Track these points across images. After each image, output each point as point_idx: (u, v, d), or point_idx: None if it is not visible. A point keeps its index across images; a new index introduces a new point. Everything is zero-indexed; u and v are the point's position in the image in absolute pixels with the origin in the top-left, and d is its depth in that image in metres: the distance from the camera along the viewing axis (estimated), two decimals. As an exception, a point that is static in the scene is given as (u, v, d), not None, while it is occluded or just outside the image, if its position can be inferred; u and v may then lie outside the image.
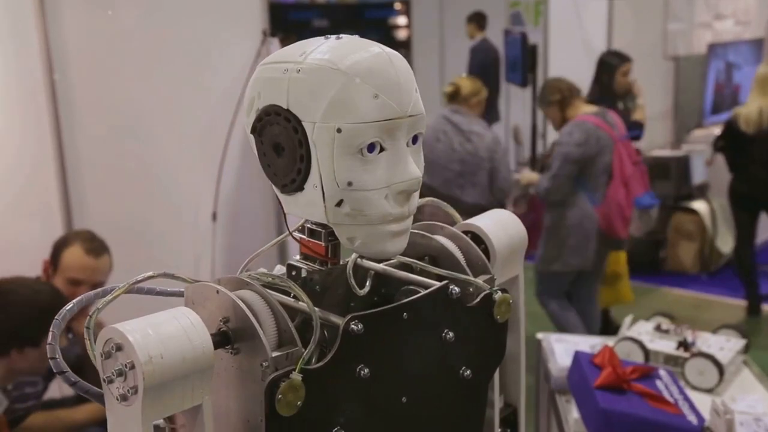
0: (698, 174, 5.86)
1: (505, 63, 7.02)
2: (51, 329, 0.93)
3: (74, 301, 0.97)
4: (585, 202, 3.81)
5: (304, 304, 0.95)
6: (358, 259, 1.10)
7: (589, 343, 2.53)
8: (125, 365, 0.83)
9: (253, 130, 0.98)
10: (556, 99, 3.91)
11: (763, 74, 4.72)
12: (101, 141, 3.25)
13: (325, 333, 0.99)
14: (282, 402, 0.88)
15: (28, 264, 2.64)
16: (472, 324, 1.10)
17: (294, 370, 0.89)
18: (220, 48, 3.60)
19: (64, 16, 3.07)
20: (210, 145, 3.60)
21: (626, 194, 3.82)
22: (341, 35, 0.97)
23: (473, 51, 7.55)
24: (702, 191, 5.93)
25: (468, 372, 1.10)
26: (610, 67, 4.56)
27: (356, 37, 0.97)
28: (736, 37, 6.70)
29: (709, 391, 2.28)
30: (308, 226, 1.05)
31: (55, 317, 0.94)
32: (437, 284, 1.07)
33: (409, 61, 0.98)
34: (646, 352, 2.42)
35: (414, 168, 0.96)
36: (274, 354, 0.90)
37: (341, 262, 1.08)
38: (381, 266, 1.13)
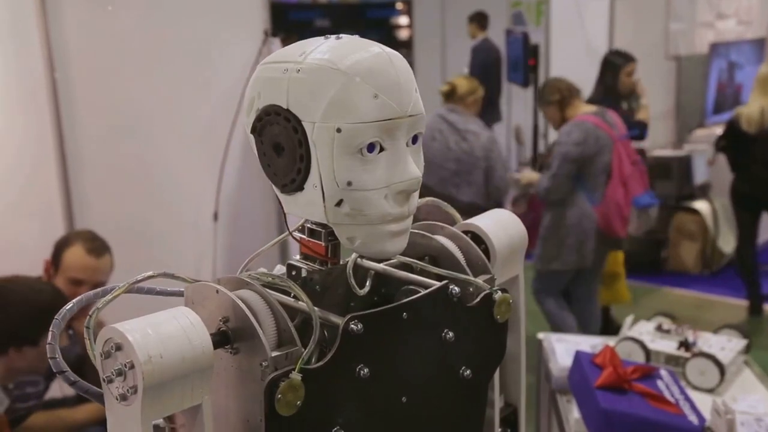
0: (700, 174, 5.86)
1: (506, 63, 7.02)
2: (51, 329, 0.93)
3: (74, 300, 0.98)
4: (584, 201, 3.82)
5: (304, 303, 0.95)
6: (358, 259, 1.10)
7: (590, 343, 2.52)
8: (125, 365, 0.83)
9: (253, 130, 0.98)
10: (556, 99, 3.92)
11: (764, 74, 4.72)
12: (102, 141, 3.25)
13: (325, 333, 0.99)
14: (281, 402, 0.88)
15: (30, 264, 2.64)
16: (472, 324, 1.10)
17: (293, 369, 0.89)
18: (221, 47, 3.60)
19: (66, 16, 3.07)
20: (211, 145, 3.60)
21: (625, 194, 3.82)
22: (341, 35, 0.97)
23: (475, 51, 7.55)
24: (704, 191, 5.92)
25: (468, 372, 1.10)
26: (615, 66, 4.55)
27: (356, 37, 0.97)
28: (738, 37, 6.70)
29: (710, 391, 2.28)
30: (308, 225, 1.05)
31: (55, 317, 0.94)
32: (437, 284, 1.07)
33: (411, 61, 0.99)
34: (647, 352, 2.42)
35: (414, 168, 0.96)
36: (274, 354, 0.90)
37: (341, 262, 1.08)
38: (381, 266, 1.13)
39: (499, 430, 1.27)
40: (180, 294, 1.01)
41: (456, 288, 1.07)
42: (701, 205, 5.81)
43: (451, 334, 1.07)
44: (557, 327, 3.90)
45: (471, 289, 1.10)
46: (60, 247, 2.67)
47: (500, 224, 1.23)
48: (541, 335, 2.69)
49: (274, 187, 1.00)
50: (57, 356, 0.93)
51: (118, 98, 3.27)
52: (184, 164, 3.56)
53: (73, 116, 3.14)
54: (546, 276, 4.02)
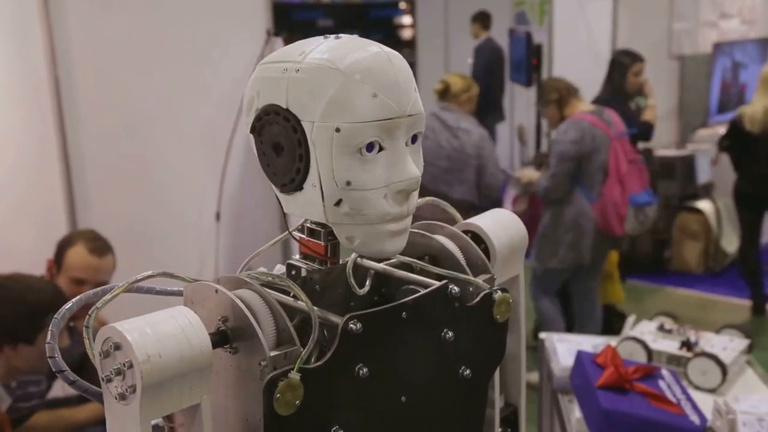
0: (703, 173, 5.85)
1: (509, 62, 7.01)
2: (50, 328, 0.93)
3: (74, 300, 0.98)
4: (581, 199, 3.83)
5: (303, 303, 0.95)
6: (358, 259, 1.11)
7: (592, 343, 2.52)
8: (123, 364, 0.83)
9: (253, 130, 0.98)
10: (554, 98, 3.93)
11: (768, 73, 4.71)
12: (105, 141, 3.25)
13: (325, 332, 0.99)
14: (280, 401, 0.88)
15: (32, 263, 2.65)
16: (471, 323, 1.10)
17: (292, 369, 0.90)
18: (224, 47, 3.60)
19: (68, 15, 3.08)
20: (214, 145, 3.60)
21: (622, 192, 3.82)
22: (340, 35, 0.97)
23: (478, 50, 7.55)
24: (707, 191, 5.91)
25: (468, 372, 1.10)
26: (622, 66, 4.54)
27: (355, 37, 0.97)
28: (741, 36, 6.68)
29: (712, 391, 2.28)
30: (308, 225, 1.05)
31: (55, 316, 0.95)
32: (437, 284, 1.07)
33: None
34: (649, 352, 2.41)
35: (413, 167, 0.97)
36: (273, 353, 0.90)
37: (341, 262, 1.08)
38: (381, 266, 1.13)
39: (500, 429, 1.27)
40: (180, 294, 1.02)
41: (456, 288, 1.07)
42: (704, 205, 5.80)
43: (450, 333, 1.07)
44: (546, 327, 3.90)
45: (471, 289, 1.10)
46: (62, 247, 2.67)
47: (500, 224, 1.23)
48: (542, 335, 2.69)
49: (273, 186, 1.00)
50: (56, 355, 0.93)
51: (121, 98, 3.27)
52: (187, 164, 3.56)
53: (76, 116, 3.14)
54: (543, 274, 4.03)
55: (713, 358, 2.31)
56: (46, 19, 3.01)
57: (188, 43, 3.45)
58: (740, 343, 2.46)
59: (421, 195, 1.03)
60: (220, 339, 0.92)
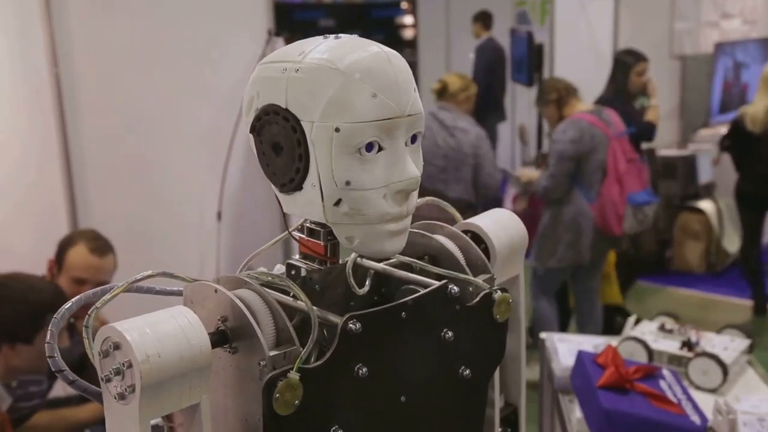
0: (705, 173, 5.84)
1: (510, 62, 7.01)
2: (50, 328, 0.93)
3: (73, 300, 0.98)
4: (580, 198, 3.83)
5: (303, 303, 0.95)
6: (358, 259, 1.11)
7: (593, 343, 2.52)
8: (123, 364, 0.83)
9: (252, 130, 0.98)
10: (553, 98, 3.93)
11: (770, 73, 4.70)
12: (106, 141, 3.26)
13: (324, 332, 0.99)
14: (280, 401, 0.88)
15: (33, 263, 2.65)
16: (471, 323, 1.09)
17: (291, 369, 0.90)
18: (225, 47, 3.60)
19: (70, 16, 3.08)
20: (215, 145, 3.60)
21: (620, 191, 3.83)
22: (340, 35, 0.97)
23: (479, 50, 7.54)
24: (708, 191, 5.91)
25: (467, 372, 1.10)
26: (625, 66, 4.54)
27: (355, 37, 0.97)
28: (743, 36, 6.68)
29: (713, 391, 2.28)
30: (307, 225, 1.05)
31: (54, 316, 0.95)
32: (437, 283, 1.07)
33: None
34: (650, 352, 2.41)
35: (412, 167, 0.97)
36: (272, 353, 0.90)
37: (341, 262, 1.08)
38: (381, 265, 1.13)
39: (499, 429, 1.27)
40: (180, 293, 1.02)
41: (455, 287, 1.07)
42: (706, 205, 5.80)
43: (450, 333, 1.07)
44: (542, 326, 3.90)
45: (470, 289, 1.10)
46: (63, 247, 2.67)
47: (500, 224, 1.23)
48: (543, 335, 2.68)
49: (273, 186, 1.00)
50: (56, 355, 0.93)
51: (122, 98, 3.27)
52: (188, 164, 3.56)
53: (77, 116, 3.15)
54: (542, 274, 4.03)
55: (714, 358, 2.31)
56: (47, 21, 3.01)
57: (189, 44, 3.46)
58: (741, 343, 2.46)
59: (419, 194, 1.03)
60: (219, 339, 0.92)
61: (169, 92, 3.41)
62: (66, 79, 3.09)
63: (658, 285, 5.59)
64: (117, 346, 0.84)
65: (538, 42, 6.14)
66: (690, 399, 2.06)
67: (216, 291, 0.94)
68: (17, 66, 3.04)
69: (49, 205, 3.12)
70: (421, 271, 1.12)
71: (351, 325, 0.95)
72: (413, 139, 0.98)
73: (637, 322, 2.64)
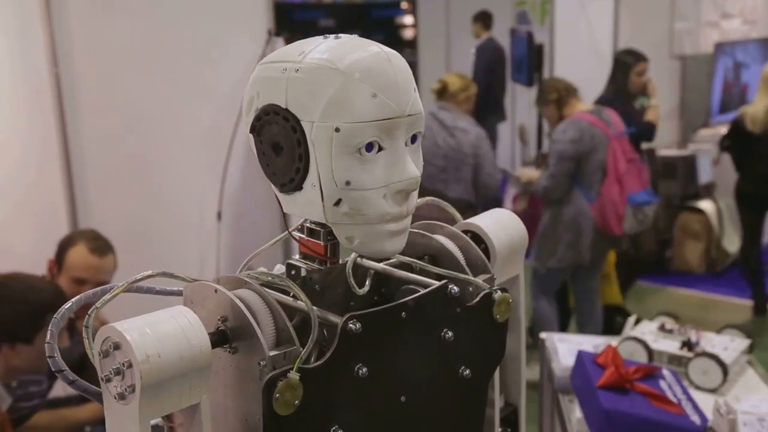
0: (705, 173, 5.84)
1: (510, 62, 7.01)
2: (50, 328, 0.93)
3: (73, 300, 0.98)
4: (580, 198, 3.83)
5: (303, 303, 0.95)
6: (358, 259, 1.11)
7: (593, 343, 2.52)
8: (123, 364, 0.83)
9: (252, 129, 0.98)
10: (553, 98, 3.94)
11: (770, 73, 4.70)
12: (106, 141, 3.26)
13: (324, 332, 0.99)
14: (279, 401, 0.88)
15: (33, 263, 2.65)
16: (471, 323, 1.09)
17: (291, 369, 0.90)
18: (225, 47, 3.60)
19: (70, 16, 3.08)
20: (215, 145, 3.60)
21: (620, 191, 3.83)
22: (340, 35, 0.97)
23: (479, 50, 7.54)
24: (708, 191, 5.91)
25: (467, 372, 1.10)
26: (625, 65, 4.54)
27: (355, 37, 0.97)
28: (743, 36, 6.68)
29: (713, 391, 2.28)
30: (307, 225, 1.05)
31: (54, 316, 0.95)
32: (437, 284, 1.07)
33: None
34: (650, 352, 2.41)
35: (412, 167, 0.97)
36: (272, 353, 0.90)
37: (341, 262, 1.08)
38: (381, 265, 1.13)
39: (499, 429, 1.27)
40: (180, 293, 1.02)
41: (455, 287, 1.07)
42: (706, 205, 5.80)
43: (450, 333, 1.07)
44: (541, 328, 3.90)
45: (470, 289, 1.10)
46: (63, 247, 2.67)
47: (500, 224, 1.23)
48: (543, 335, 2.68)
49: (273, 186, 1.00)
50: (55, 355, 0.93)
51: (122, 98, 3.27)
52: (188, 164, 3.56)
53: (77, 117, 3.14)
54: (542, 274, 4.03)
55: (714, 358, 2.31)
56: (47, 21, 3.01)
57: (189, 44, 3.45)
58: (741, 343, 2.46)
59: (419, 194, 1.03)
60: (219, 339, 0.92)
61: (169, 92, 3.41)
62: (66, 79, 3.09)
63: (658, 285, 5.59)
64: (117, 346, 0.83)
65: (538, 42, 6.14)
66: (690, 399, 2.06)
67: (216, 291, 0.94)
68: (17, 66, 3.04)
69: (49, 205, 3.12)
70: (421, 271, 1.12)
71: (351, 325, 0.95)
72: (413, 139, 0.98)
73: (637, 322, 2.64)
